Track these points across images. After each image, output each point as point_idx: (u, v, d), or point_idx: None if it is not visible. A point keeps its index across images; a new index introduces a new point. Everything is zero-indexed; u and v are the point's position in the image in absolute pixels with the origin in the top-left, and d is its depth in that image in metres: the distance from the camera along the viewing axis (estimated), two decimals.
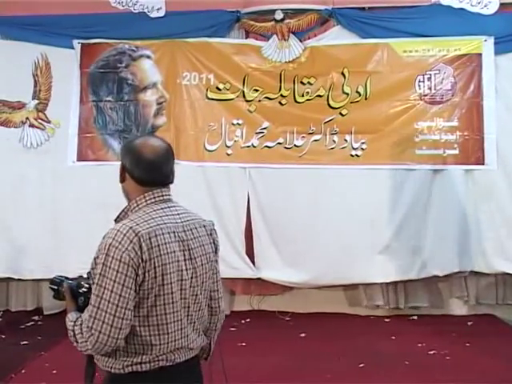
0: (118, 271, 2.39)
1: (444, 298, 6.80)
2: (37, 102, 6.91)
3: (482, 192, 6.49)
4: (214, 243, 2.74)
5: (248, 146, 6.73)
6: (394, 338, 6.04)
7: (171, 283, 2.49)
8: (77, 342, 2.45)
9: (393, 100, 6.57)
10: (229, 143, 6.71)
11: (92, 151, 6.76)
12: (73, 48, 6.84)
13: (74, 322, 2.46)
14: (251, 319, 6.70)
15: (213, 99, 6.75)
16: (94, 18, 6.80)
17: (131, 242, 2.41)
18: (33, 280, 6.73)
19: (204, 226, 2.71)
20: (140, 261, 2.42)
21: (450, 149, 6.50)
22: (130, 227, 2.44)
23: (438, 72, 6.52)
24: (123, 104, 6.82)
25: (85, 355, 2.57)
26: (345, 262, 6.52)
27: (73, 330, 2.45)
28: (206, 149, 6.73)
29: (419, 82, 6.54)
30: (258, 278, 6.70)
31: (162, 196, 2.62)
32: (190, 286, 2.57)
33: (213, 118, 6.75)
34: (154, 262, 2.45)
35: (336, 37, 6.69)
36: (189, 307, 2.58)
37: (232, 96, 6.75)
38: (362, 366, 5.22)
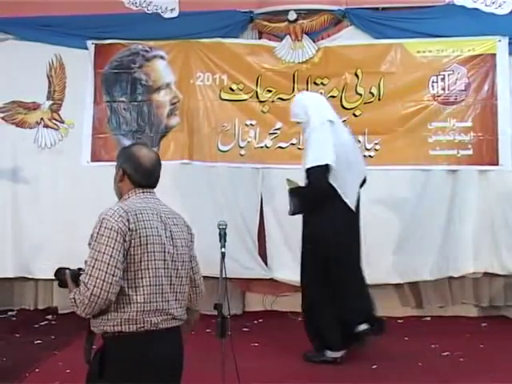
0: (108, 237, 2.86)
1: (457, 299, 6.76)
2: (51, 102, 6.94)
3: (496, 192, 6.46)
4: (190, 235, 3.21)
5: (261, 147, 6.73)
6: (406, 339, 6.02)
7: (154, 252, 2.93)
8: (77, 307, 2.86)
9: (406, 101, 6.55)
10: (242, 144, 6.72)
11: (106, 151, 6.78)
12: (87, 48, 6.87)
13: (74, 292, 2.89)
14: (264, 320, 6.70)
15: (226, 100, 6.76)
16: (108, 19, 6.82)
17: (120, 215, 2.89)
18: (46, 280, 6.76)
19: (183, 221, 3.19)
20: (127, 230, 2.88)
21: (464, 149, 6.48)
22: (120, 206, 2.95)
23: (451, 72, 6.50)
24: (137, 104, 6.84)
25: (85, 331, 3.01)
26: None
27: (73, 298, 2.87)
28: (219, 149, 6.74)
29: (433, 82, 6.52)
30: (271, 279, 6.70)
31: (149, 193, 3.12)
32: (172, 260, 3.01)
33: (226, 119, 6.76)
34: (140, 232, 2.91)
35: (349, 37, 6.68)
36: (171, 277, 3.00)
37: (245, 96, 6.75)
38: (374, 367, 5.21)
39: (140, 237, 2.90)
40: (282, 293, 6.84)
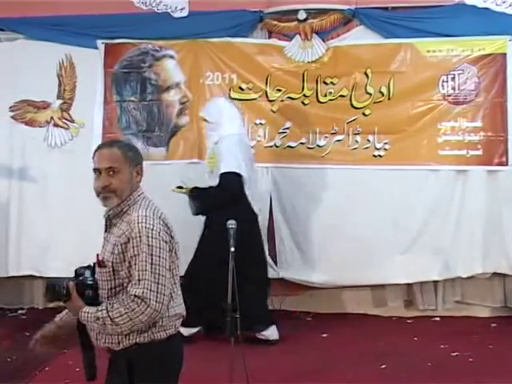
0: (162, 248, 2.79)
1: (467, 299, 6.74)
2: (61, 101, 6.96)
3: (505, 193, 6.43)
4: None
5: (271, 146, 6.73)
6: (416, 339, 6.01)
7: (177, 259, 2.94)
8: (117, 325, 2.75)
9: (416, 100, 6.53)
10: (251, 143, 6.71)
11: None
12: (97, 48, 6.87)
13: (106, 309, 2.77)
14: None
15: (235, 99, 6.74)
16: (118, 18, 6.83)
17: (159, 223, 2.83)
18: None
19: None
20: (170, 238, 2.87)
21: (474, 149, 6.45)
22: (152, 213, 2.86)
23: (461, 72, 6.47)
24: (146, 104, 6.85)
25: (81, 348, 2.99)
26: (367, 263, 6.50)
27: (108, 317, 2.74)
28: None
29: (443, 82, 6.50)
30: (280, 278, 6.70)
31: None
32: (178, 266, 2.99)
33: None
34: (175, 239, 2.91)
35: (359, 37, 6.67)
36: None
37: (255, 96, 6.75)
38: (383, 366, 5.21)
39: (174, 243, 2.91)
40: (291, 293, 6.84)
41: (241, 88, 6.76)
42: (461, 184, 6.48)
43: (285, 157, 6.70)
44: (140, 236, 2.79)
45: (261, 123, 6.75)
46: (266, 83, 6.71)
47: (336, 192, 6.61)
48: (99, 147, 3.03)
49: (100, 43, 6.88)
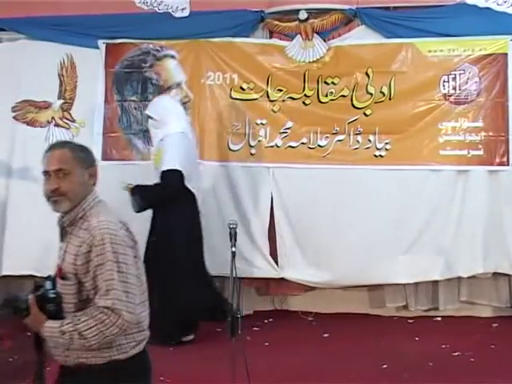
0: (127, 254, 2.63)
1: (468, 299, 6.74)
2: (62, 101, 6.97)
3: (506, 193, 6.42)
4: None
5: (272, 146, 6.73)
6: (417, 339, 6.01)
7: (141, 267, 2.78)
8: (85, 339, 2.56)
9: (417, 100, 6.53)
10: (252, 143, 6.72)
11: (117, 151, 6.79)
12: (98, 48, 6.88)
13: (72, 322, 2.58)
14: (274, 319, 6.70)
15: (237, 99, 6.76)
16: (119, 18, 6.85)
17: (122, 228, 2.67)
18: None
19: None
20: (133, 243, 2.72)
21: (475, 149, 6.45)
22: (114, 217, 2.71)
23: (462, 72, 6.47)
24: (147, 104, 6.85)
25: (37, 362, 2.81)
26: (368, 263, 6.50)
27: (75, 330, 2.56)
28: (230, 148, 6.75)
29: (444, 82, 6.49)
30: (282, 278, 6.71)
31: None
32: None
33: (237, 118, 6.76)
34: (136, 245, 2.75)
35: (360, 36, 6.67)
36: None
37: (256, 96, 6.75)
38: (385, 366, 5.21)
39: (137, 250, 2.76)
40: (292, 292, 6.85)
41: (242, 88, 6.76)
42: (462, 184, 6.48)
43: (286, 157, 6.70)
44: (103, 243, 2.60)
45: (262, 123, 6.75)
46: (267, 83, 6.71)
47: (337, 192, 6.61)
48: (49, 148, 2.84)
49: (101, 43, 6.88)
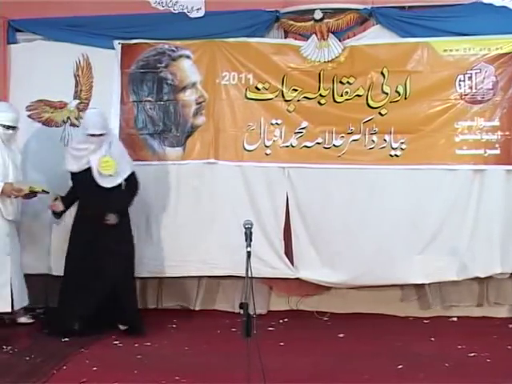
0: None
1: (485, 299, 6.71)
2: (78, 101, 7.00)
3: None
4: None
5: (287, 146, 6.73)
6: (433, 339, 5.99)
7: None
8: None
9: (433, 100, 6.51)
10: (268, 143, 6.72)
11: (133, 151, 6.79)
12: (113, 48, 6.91)
13: None
14: (289, 319, 6.70)
15: (252, 99, 6.76)
16: (135, 19, 6.87)
17: None
18: None
19: None
20: None
21: (491, 149, 6.42)
22: None
23: (479, 71, 6.44)
24: (163, 104, 6.87)
25: None
26: (383, 263, 6.49)
27: None
28: (245, 149, 6.75)
29: (460, 81, 6.47)
30: (297, 278, 6.71)
31: None
32: None
33: (252, 118, 6.76)
34: None
35: (375, 36, 6.65)
36: None
37: (271, 96, 6.75)
38: (400, 367, 5.19)
39: None
40: (307, 293, 6.84)
41: (257, 88, 6.76)
42: (478, 183, 6.45)
43: (301, 157, 6.69)
44: None
45: (277, 123, 6.75)
46: (283, 83, 6.71)
47: (352, 192, 6.60)
48: None
49: (117, 43, 6.91)
